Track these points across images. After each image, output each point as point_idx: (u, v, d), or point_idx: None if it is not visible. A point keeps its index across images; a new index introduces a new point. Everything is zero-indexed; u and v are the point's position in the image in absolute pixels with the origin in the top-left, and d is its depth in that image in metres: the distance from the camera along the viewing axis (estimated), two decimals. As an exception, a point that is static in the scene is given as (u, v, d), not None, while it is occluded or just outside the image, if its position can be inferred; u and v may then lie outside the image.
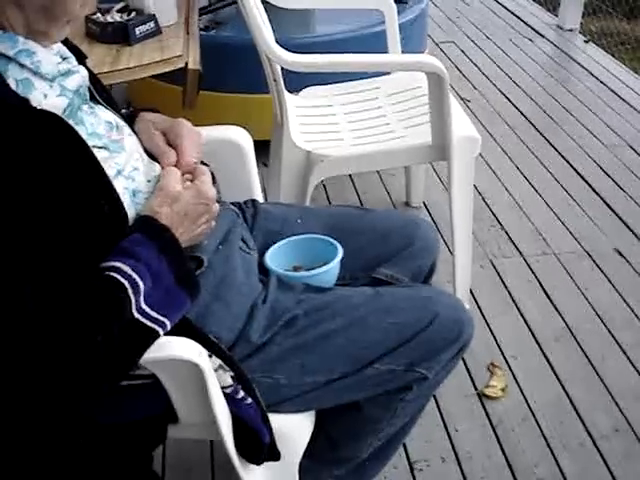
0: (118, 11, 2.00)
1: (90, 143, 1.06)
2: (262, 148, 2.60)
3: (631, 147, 3.29)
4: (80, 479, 1.14)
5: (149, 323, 1.02)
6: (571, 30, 4.53)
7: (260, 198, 1.57)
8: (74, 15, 1.07)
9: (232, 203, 1.44)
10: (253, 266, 1.29)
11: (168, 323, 1.04)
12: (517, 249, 2.62)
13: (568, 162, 3.17)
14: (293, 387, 1.19)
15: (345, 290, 1.27)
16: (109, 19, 1.95)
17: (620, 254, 2.59)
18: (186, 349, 1.04)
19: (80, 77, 1.11)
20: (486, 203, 2.86)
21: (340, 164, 2.07)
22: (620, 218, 2.79)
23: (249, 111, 2.94)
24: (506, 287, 2.44)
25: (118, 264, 1.01)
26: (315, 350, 1.19)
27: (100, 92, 1.21)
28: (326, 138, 2.21)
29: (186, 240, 1.11)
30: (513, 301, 2.38)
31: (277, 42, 1.96)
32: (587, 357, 2.16)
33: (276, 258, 1.35)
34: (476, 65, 4.11)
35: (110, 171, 1.08)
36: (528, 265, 2.54)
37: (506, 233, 2.71)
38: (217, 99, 2.92)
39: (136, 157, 1.18)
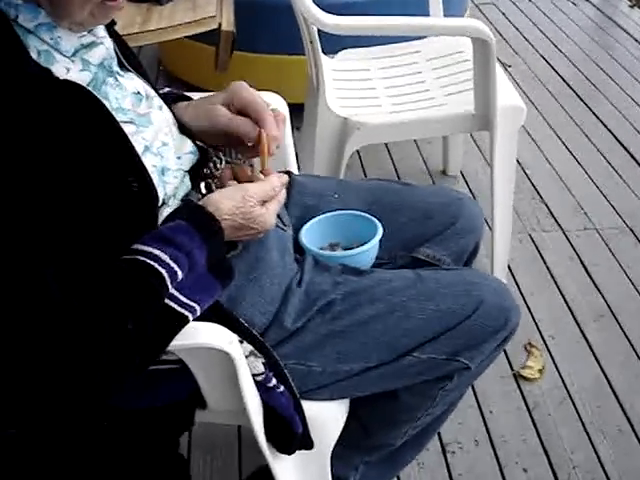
0: (148, -33, 1.91)
1: (116, 119, 0.99)
2: (295, 112, 2.54)
3: (677, 118, 3.16)
4: (106, 464, 1.09)
5: (179, 308, 0.95)
6: (616, -6, 4.36)
7: (295, 169, 1.49)
8: None
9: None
10: (288, 244, 1.22)
11: (198, 309, 0.97)
12: (557, 223, 2.52)
13: (611, 132, 3.05)
14: (327, 375, 1.13)
15: (385, 273, 1.20)
16: (139, -25, 1.87)
17: (665, 231, 2.49)
18: (216, 336, 0.98)
19: (104, 49, 1.03)
20: (525, 173, 2.76)
21: (378, 132, 1.98)
22: (664, 192, 2.68)
23: (282, 73, 2.85)
24: (545, 263, 2.35)
25: (157, 252, 0.94)
26: (352, 337, 1.12)
27: (129, 58, 1.13)
28: (363, 104, 2.12)
29: (227, 234, 1.05)
30: (552, 278, 2.29)
31: (314, 1, 1.86)
32: (628, 338, 2.08)
33: (312, 235, 1.28)
34: (517, 28, 3.96)
35: (138, 147, 1.00)
36: (568, 240, 2.44)
37: (546, 206, 2.61)
38: (250, 59, 2.83)
39: (165, 132, 1.10)
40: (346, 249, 1.30)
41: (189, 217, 0.99)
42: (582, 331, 2.10)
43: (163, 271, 0.93)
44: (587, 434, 1.82)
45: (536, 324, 2.12)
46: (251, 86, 1.19)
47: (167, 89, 1.28)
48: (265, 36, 2.82)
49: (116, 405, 1.04)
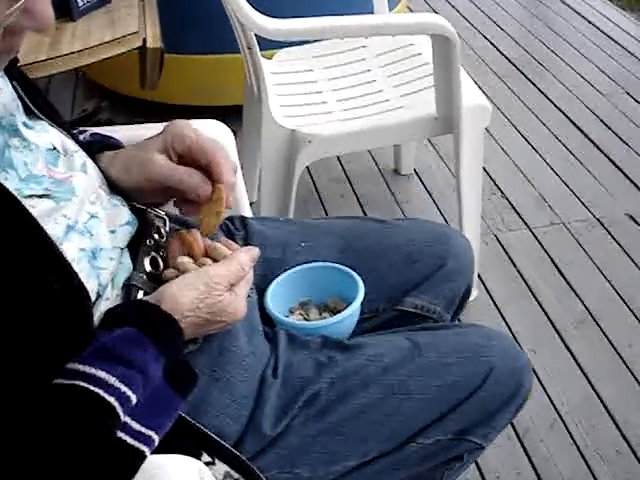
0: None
1: (26, 193, 0.77)
2: (233, 115, 2.32)
3: (629, 94, 3.03)
4: None
5: (132, 441, 0.74)
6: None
7: (248, 210, 1.28)
8: None
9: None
10: (255, 315, 1.01)
11: (156, 438, 0.76)
12: (522, 220, 2.37)
13: (565, 114, 2.91)
14: (318, 479, 0.93)
15: (375, 345, 0.99)
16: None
17: (634, 220, 2.35)
18: (183, 474, 0.76)
19: (0, 105, 0.81)
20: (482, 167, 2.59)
21: (331, 145, 1.79)
22: (627, 176, 2.55)
23: (216, 74, 2.62)
24: (515, 266, 2.19)
25: (102, 374, 0.72)
26: (344, 433, 0.92)
27: (39, 103, 0.90)
28: (310, 112, 1.91)
29: (188, 334, 0.83)
30: (525, 282, 2.13)
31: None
32: (612, 345, 1.94)
33: (279, 296, 1.07)
34: (454, 7, 3.78)
35: (57, 230, 0.78)
36: (536, 238, 2.29)
37: (508, 201, 2.45)
38: (180, 61, 2.59)
39: (92, 199, 0.88)
40: (319, 306, 1.10)
41: (140, 322, 0.78)
42: (564, 341, 1.95)
43: (112, 399, 0.71)
44: (584, 459, 1.68)
45: (514, 337, 1.96)
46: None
47: (89, 133, 1.05)
48: (195, 35, 2.59)
49: None
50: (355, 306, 1.03)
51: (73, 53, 1.34)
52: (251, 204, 2.16)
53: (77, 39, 1.39)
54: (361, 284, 1.05)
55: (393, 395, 0.94)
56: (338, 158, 2.61)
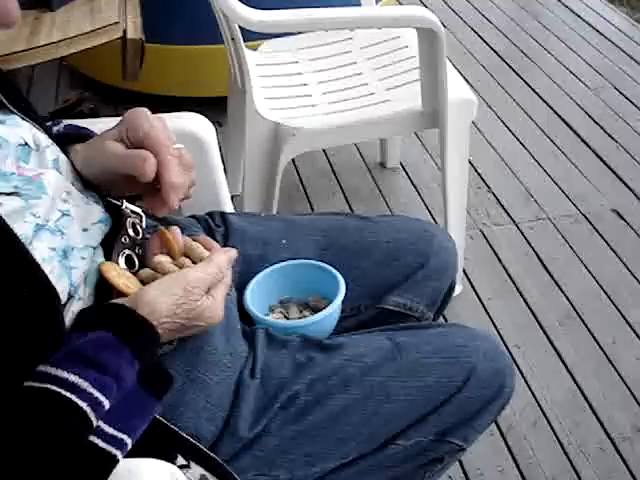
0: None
1: None
2: (217, 105, 2.29)
3: (617, 89, 3.02)
4: None
5: (104, 445, 0.72)
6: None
7: (229, 205, 1.26)
8: None
9: (193, 216, 1.13)
10: (234, 313, 0.99)
11: (129, 441, 0.74)
12: (508, 215, 2.35)
13: (552, 108, 2.89)
14: (296, 480, 0.91)
15: (355, 345, 0.97)
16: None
17: (620, 216, 2.34)
18: (156, 478, 0.74)
19: None
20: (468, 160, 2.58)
21: (315, 138, 1.77)
22: (614, 171, 2.54)
23: (200, 65, 2.60)
24: (500, 261, 2.18)
25: (74, 378, 0.70)
26: (323, 434, 0.91)
27: (10, 95, 0.88)
28: (295, 104, 1.89)
29: (165, 339, 0.82)
30: (510, 278, 2.12)
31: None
32: (597, 341, 1.93)
33: (259, 294, 1.06)
34: (443, -1, 3.77)
35: (26, 229, 0.76)
36: (522, 233, 2.28)
37: (494, 195, 2.44)
38: (163, 52, 2.56)
39: (64, 196, 0.85)
40: (300, 304, 1.09)
41: (115, 327, 0.75)
42: (548, 337, 1.94)
43: (84, 405, 0.69)
44: (567, 456, 1.67)
45: (499, 332, 1.95)
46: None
47: (64, 124, 1.02)
48: (178, 25, 2.55)
49: None
50: (335, 305, 1.01)
51: (52, 44, 1.31)
52: (236, 197, 2.15)
53: (56, 29, 1.36)
54: (342, 282, 1.03)
55: (373, 396, 0.93)
56: (324, 151, 2.59)
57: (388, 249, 1.12)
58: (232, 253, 0.89)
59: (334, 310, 1.02)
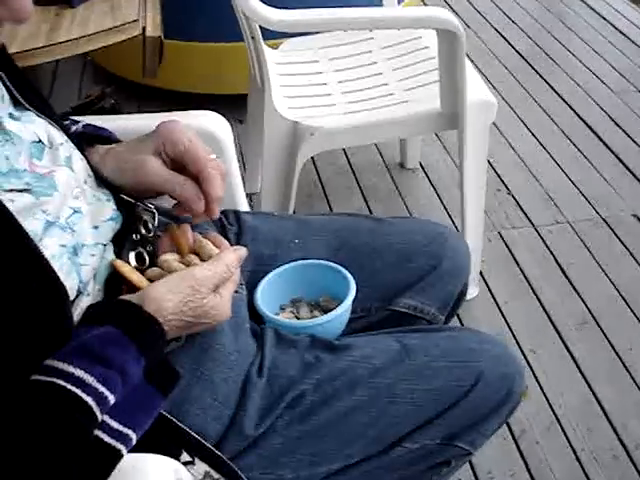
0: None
1: (6, 187, 0.75)
2: (238, 103, 2.30)
3: (640, 92, 3.00)
4: None
5: (109, 439, 0.73)
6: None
7: (244, 204, 1.26)
8: None
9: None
10: (243, 312, 0.99)
11: (134, 436, 0.75)
12: (527, 217, 2.34)
13: (574, 110, 2.87)
14: (301, 480, 0.92)
15: (363, 347, 0.97)
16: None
17: (640, 221, 2.32)
18: (159, 474, 0.75)
19: None
20: (488, 161, 2.56)
21: (334, 138, 1.76)
22: (635, 176, 2.52)
23: (221, 62, 2.60)
24: (518, 265, 2.17)
25: (80, 373, 0.71)
26: (329, 435, 0.91)
27: (26, 92, 0.88)
28: (314, 104, 1.89)
29: (171, 336, 0.82)
30: (527, 281, 2.11)
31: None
32: (613, 348, 1.92)
33: (270, 294, 1.06)
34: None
35: (36, 225, 0.77)
36: (541, 237, 2.26)
37: (513, 198, 2.43)
38: (185, 48, 2.57)
39: (76, 194, 0.86)
40: (311, 305, 1.09)
41: (122, 323, 0.76)
42: (564, 342, 1.93)
43: (89, 399, 0.70)
44: (580, 463, 1.66)
45: (514, 336, 1.94)
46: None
47: (82, 124, 1.03)
48: (200, 22, 2.56)
49: None
50: (345, 306, 1.01)
51: (72, 40, 1.32)
52: (254, 194, 2.16)
53: (76, 26, 1.37)
54: (353, 283, 1.03)
55: (380, 398, 0.93)
56: (344, 150, 2.59)
57: (400, 251, 1.11)
58: (241, 252, 0.89)
59: (344, 311, 1.02)
